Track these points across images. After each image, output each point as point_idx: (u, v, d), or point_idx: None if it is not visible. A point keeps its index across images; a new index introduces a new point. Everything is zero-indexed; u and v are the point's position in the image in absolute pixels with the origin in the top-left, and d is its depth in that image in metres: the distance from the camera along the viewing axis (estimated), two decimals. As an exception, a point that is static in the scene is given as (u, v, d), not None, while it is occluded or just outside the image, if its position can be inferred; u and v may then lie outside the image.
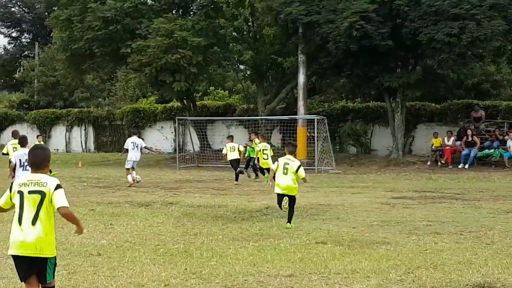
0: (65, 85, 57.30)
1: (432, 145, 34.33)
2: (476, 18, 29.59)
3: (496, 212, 16.72)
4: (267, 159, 24.67)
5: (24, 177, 7.21)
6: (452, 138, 33.67)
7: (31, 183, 7.05)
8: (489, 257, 10.84)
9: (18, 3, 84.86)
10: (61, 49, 40.01)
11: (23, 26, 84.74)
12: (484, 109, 36.66)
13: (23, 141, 17.27)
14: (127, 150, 24.67)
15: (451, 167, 32.36)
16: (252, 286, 9.13)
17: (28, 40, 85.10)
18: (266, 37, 38.82)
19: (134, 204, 18.49)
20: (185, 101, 41.27)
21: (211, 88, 53.41)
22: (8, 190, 7.26)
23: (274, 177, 14.80)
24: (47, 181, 7.09)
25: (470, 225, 14.35)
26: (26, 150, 15.15)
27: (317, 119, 34.61)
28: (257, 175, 27.48)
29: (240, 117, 42.30)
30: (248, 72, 43.78)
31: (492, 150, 32.72)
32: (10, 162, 17.62)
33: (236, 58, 41.56)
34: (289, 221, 14.30)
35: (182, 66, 35.11)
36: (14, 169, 16.24)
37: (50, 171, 11.49)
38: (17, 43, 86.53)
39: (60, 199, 7.04)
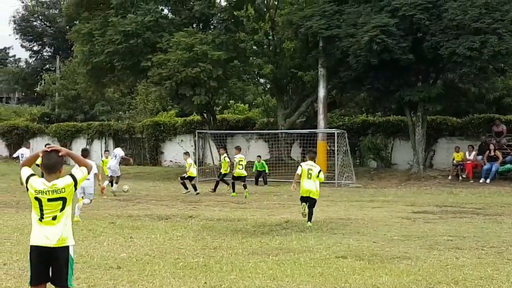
0: (86, 98, 57.74)
1: (454, 159, 34.12)
2: (497, 32, 29.49)
3: (518, 227, 16.58)
4: (242, 169, 26.79)
5: (40, 183, 7.14)
6: (474, 153, 33.46)
7: (49, 191, 7.01)
8: (510, 273, 10.75)
9: (40, 17, 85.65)
10: (82, 62, 40.23)
11: (45, 40, 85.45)
12: (505, 124, 36.39)
13: (85, 153, 18.83)
14: None
15: (472, 181, 32.14)
16: (271, 300, 9.09)
17: (50, 54, 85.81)
18: (286, 51, 38.87)
19: (154, 217, 18.51)
20: (205, 115, 41.32)
21: (231, 101, 53.50)
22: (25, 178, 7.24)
23: (298, 181, 16.93)
24: (64, 185, 7.08)
25: (491, 240, 14.23)
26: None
27: (337, 133, 34.55)
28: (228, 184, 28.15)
29: (260, 130, 42.30)
30: (268, 86, 43.86)
31: (513, 165, 32.52)
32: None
33: (256, 72, 41.64)
34: (309, 220, 16.38)
35: (202, 80, 35.18)
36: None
37: None
38: (38, 57, 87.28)
39: (80, 173, 7.30)
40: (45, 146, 7.38)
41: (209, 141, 41.83)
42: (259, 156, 34.96)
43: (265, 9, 39.74)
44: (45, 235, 6.99)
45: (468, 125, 38.25)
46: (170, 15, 40.85)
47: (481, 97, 42.17)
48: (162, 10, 40.60)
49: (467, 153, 33.66)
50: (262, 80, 45.52)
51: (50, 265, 7.02)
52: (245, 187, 26.83)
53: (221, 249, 13.04)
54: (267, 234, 15.20)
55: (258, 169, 33.95)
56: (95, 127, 50.71)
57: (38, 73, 78.49)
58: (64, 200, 7.08)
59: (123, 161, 28.35)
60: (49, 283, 7.06)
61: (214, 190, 28.27)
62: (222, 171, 28.91)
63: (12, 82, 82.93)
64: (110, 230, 15.50)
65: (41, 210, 7.05)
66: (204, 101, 36.48)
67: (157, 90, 41.01)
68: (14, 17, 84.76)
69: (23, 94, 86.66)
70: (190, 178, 27.65)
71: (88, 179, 17.51)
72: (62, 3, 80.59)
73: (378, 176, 35.26)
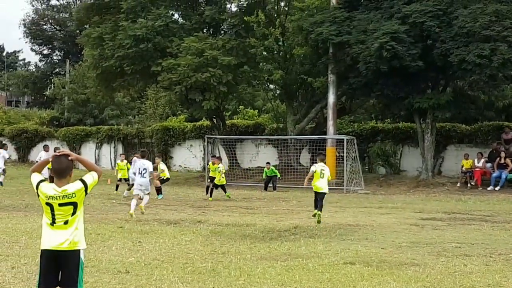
0: (96, 102, 57.98)
1: (462, 166, 34.08)
2: (507, 40, 29.49)
3: (526, 235, 16.56)
4: (224, 177, 28.41)
5: (51, 188, 7.21)
6: (483, 160, 33.42)
7: (60, 196, 7.05)
8: (519, 280, 10.74)
9: (50, 21, 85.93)
10: (92, 66, 40.37)
11: (55, 44, 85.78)
12: (514, 131, 36.36)
13: (143, 154, 22.22)
14: None
15: (480, 188, 32.08)
16: (280, 306, 9.11)
17: (59, 58, 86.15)
18: (296, 56, 38.87)
19: (163, 222, 18.56)
20: (214, 120, 41.39)
21: (240, 107, 53.55)
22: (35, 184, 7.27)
23: (309, 179, 19.85)
24: (75, 190, 7.12)
25: (499, 247, 14.22)
26: (144, 161, 21.22)
27: (347, 139, 34.58)
28: (208, 193, 28.33)
29: (270, 136, 42.33)
30: (278, 92, 43.83)
31: (522, 173, 32.46)
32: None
33: (266, 78, 41.64)
34: (320, 210, 18.79)
35: (212, 85, 35.26)
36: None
37: None
38: (48, 61, 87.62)
39: (90, 178, 7.31)
40: (55, 151, 7.42)
41: (218, 146, 41.88)
42: (268, 163, 35.00)
43: (275, 15, 39.76)
44: (56, 239, 7.03)
45: (477, 132, 38.16)
46: (180, 20, 40.96)
47: (490, 105, 42.13)
48: (173, 15, 40.72)
49: (476, 160, 33.63)
50: (271, 86, 45.49)
51: (60, 269, 7.05)
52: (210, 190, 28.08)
53: (230, 254, 13.06)
54: (276, 239, 15.22)
55: (268, 174, 33.98)
56: (104, 132, 50.76)
57: (48, 77, 78.78)
58: (75, 204, 7.12)
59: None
60: (58, 287, 7.07)
61: (210, 194, 28.30)
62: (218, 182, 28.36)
63: (22, 85, 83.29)
64: (118, 235, 15.54)
65: (53, 215, 7.09)
66: (213, 106, 36.57)
67: (167, 95, 41.22)
68: (24, 20, 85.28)
69: (33, 97, 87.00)
70: (163, 181, 27.90)
71: (145, 178, 20.91)
72: (72, 7, 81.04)
73: (387, 183, 35.24)
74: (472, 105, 37.44)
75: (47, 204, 7.09)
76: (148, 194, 21.10)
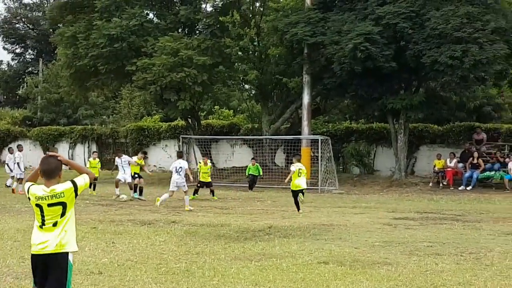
0: (69, 102, 57.60)
1: (435, 166, 34.37)
2: (478, 42, 29.77)
3: (496, 234, 16.76)
4: (209, 176, 29.14)
5: (40, 189, 7.25)
6: (455, 160, 33.73)
7: (48, 196, 7.08)
8: (488, 279, 10.89)
9: (23, 19, 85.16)
10: (66, 66, 40.11)
11: (28, 43, 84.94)
12: (485, 132, 36.72)
13: (180, 154, 25.33)
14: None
15: (452, 188, 32.40)
16: (253, 305, 9.17)
17: (32, 57, 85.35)
18: (271, 57, 38.92)
19: (137, 222, 18.51)
20: (189, 120, 41.35)
21: (215, 107, 53.46)
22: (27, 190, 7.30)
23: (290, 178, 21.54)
24: (63, 189, 7.14)
25: (470, 246, 14.38)
26: (181, 161, 23.91)
27: (321, 139, 34.73)
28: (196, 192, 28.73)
29: (245, 136, 42.38)
30: (253, 92, 43.87)
31: (493, 172, 32.75)
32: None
33: (241, 78, 41.63)
34: (303, 195, 21.73)
35: (187, 85, 35.24)
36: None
37: None
38: (21, 60, 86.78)
39: (81, 180, 7.34)
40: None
41: (193, 147, 41.84)
42: (254, 159, 35.04)
43: (250, 15, 39.78)
44: (44, 241, 7.05)
45: (449, 133, 38.52)
46: (155, 20, 40.90)
47: (462, 106, 42.57)
48: (147, 14, 40.64)
49: (448, 160, 33.93)
50: (247, 86, 45.52)
51: (48, 271, 7.05)
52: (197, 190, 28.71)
53: (204, 254, 13.10)
54: (250, 239, 15.28)
55: (252, 172, 33.71)
56: (78, 131, 50.43)
57: (21, 76, 78.01)
58: (64, 205, 7.14)
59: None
60: None
61: (212, 193, 28.64)
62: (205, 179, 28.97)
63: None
64: (92, 235, 15.48)
65: (42, 216, 7.12)
66: (188, 106, 36.57)
67: (142, 95, 41.11)
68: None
69: (5, 97, 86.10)
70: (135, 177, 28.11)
71: (180, 175, 23.33)
72: (45, 5, 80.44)
73: (361, 183, 35.45)
74: (444, 106, 37.81)
75: (37, 205, 7.12)
76: (186, 192, 23.41)
